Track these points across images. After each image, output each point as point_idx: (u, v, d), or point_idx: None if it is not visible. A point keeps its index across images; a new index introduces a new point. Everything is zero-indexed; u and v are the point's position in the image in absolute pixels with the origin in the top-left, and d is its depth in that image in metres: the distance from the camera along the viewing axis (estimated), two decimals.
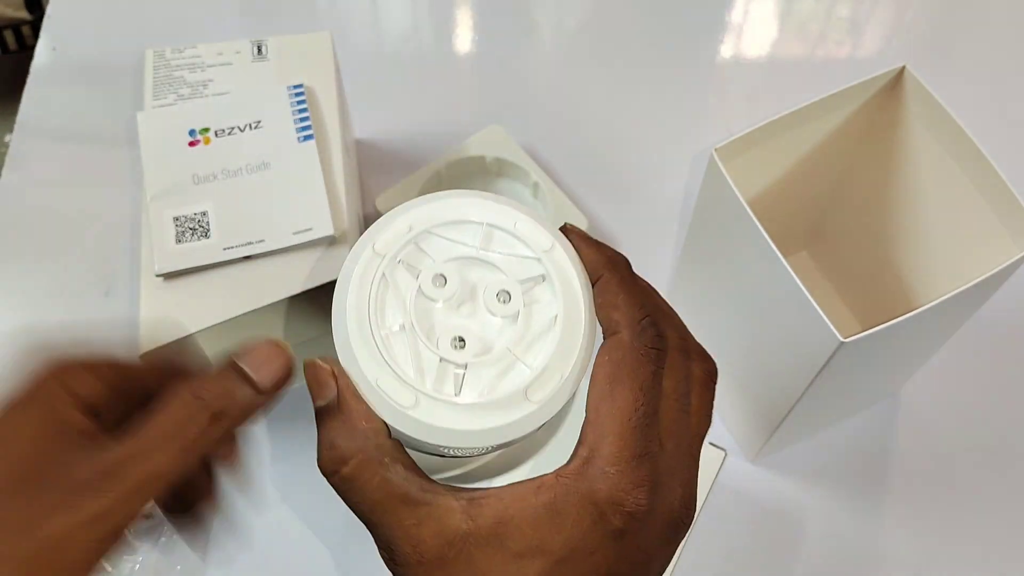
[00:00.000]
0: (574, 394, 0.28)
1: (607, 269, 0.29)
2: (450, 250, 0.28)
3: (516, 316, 0.27)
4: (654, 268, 0.63)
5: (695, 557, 0.50)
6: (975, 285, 0.39)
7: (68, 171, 0.69)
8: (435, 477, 0.27)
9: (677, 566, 0.45)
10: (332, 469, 0.27)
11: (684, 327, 0.30)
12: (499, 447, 0.27)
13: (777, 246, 0.40)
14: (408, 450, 0.27)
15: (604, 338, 0.28)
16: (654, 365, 0.27)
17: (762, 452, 0.54)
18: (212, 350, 0.58)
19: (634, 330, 0.27)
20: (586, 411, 0.26)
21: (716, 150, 0.43)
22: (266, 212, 0.51)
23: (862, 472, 0.55)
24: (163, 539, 0.52)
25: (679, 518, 0.26)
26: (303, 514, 0.54)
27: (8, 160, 0.70)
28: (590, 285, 0.29)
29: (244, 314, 0.48)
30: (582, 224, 0.60)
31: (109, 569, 0.51)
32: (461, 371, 0.26)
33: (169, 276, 0.50)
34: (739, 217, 0.42)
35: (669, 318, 0.29)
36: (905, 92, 0.46)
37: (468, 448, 0.27)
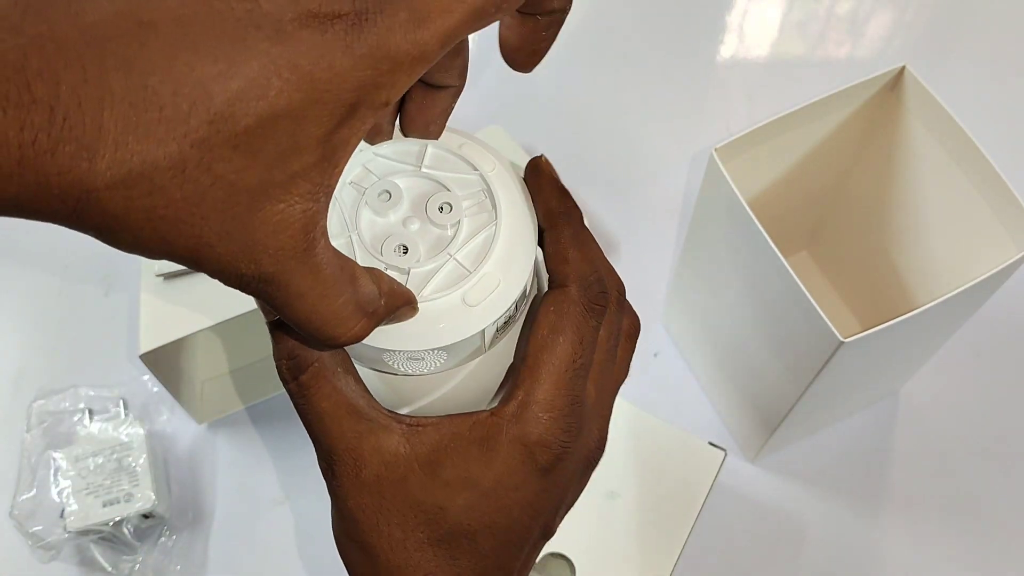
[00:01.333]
0: (514, 312, 0.29)
1: (561, 219, 0.30)
2: (395, 169, 0.29)
3: (458, 225, 0.28)
4: (654, 268, 0.63)
5: (695, 557, 0.50)
6: (975, 285, 0.39)
7: None
8: None
9: (677, 566, 0.45)
10: (291, 376, 0.29)
11: (621, 283, 0.32)
12: (438, 361, 0.28)
13: (777, 246, 0.40)
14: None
15: (549, 287, 0.29)
16: (595, 320, 0.29)
17: (762, 452, 0.54)
18: (212, 350, 0.58)
19: (581, 286, 0.29)
20: (526, 356, 0.28)
21: (716, 150, 0.43)
22: None
23: (862, 472, 0.55)
24: (163, 539, 0.52)
25: (594, 456, 0.30)
26: (303, 514, 0.54)
27: None
28: (533, 208, 0.30)
29: (244, 314, 0.48)
30: None
31: (110, 569, 0.51)
32: (404, 276, 0.27)
33: (169, 276, 0.50)
34: (739, 217, 0.42)
35: (610, 274, 0.31)
36: (905, 92, 0.46)
37: (409, 352, 0.27)
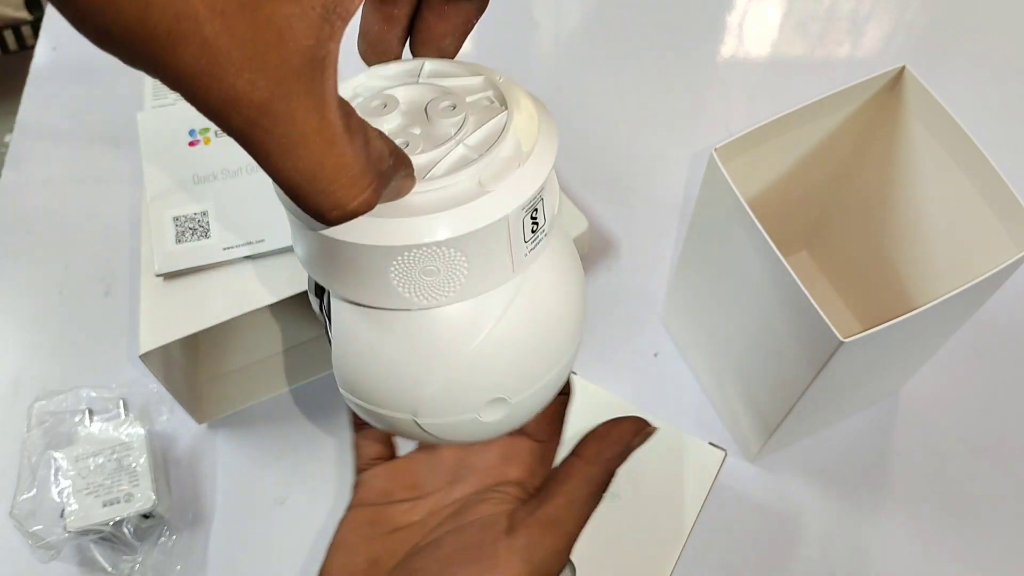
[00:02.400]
0: (542, 212, 0.25)
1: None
2: (392, 85, 0.27)
3: (463, 120, 0.25)
4: (654, 268, 0.63)
5: (695, 557, 0.50)
6: (975, 285, 0.39)
7: (68, 171, 0.69)
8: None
9: (677, 566, 0.45)
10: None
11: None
12: (458, 274, 0.24)
13: (777, 246, 0.40)
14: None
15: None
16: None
17: (762, 452, 0.54)
18: (212, 350, 0.58)
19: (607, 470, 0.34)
20: (545, 510, 0.31)
21: (716, 150, 0.43)
22: (266, 212, 0.51)
23: (862, 472, 0.55)
24: (163, 539, 0.52)
25: None
26: (303, 514, 0.54)
27: (8, 160, 0.70)
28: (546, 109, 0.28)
29: (244, 314, 0.48)
30: (581, 224, 0.60)
31: (110, 569, 0.51)
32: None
33: (169, 276, 0.50)
34: (739, 217, 0.42)
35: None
36: (905, 92, 0.46)
37: (422, 250, 0.23)
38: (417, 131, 0.25)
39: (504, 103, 0.26)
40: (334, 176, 0.19)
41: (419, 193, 0.23)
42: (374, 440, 0.37)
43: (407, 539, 0.33)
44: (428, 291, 0.24)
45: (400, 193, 0.23)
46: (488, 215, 0.23)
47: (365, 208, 0.20)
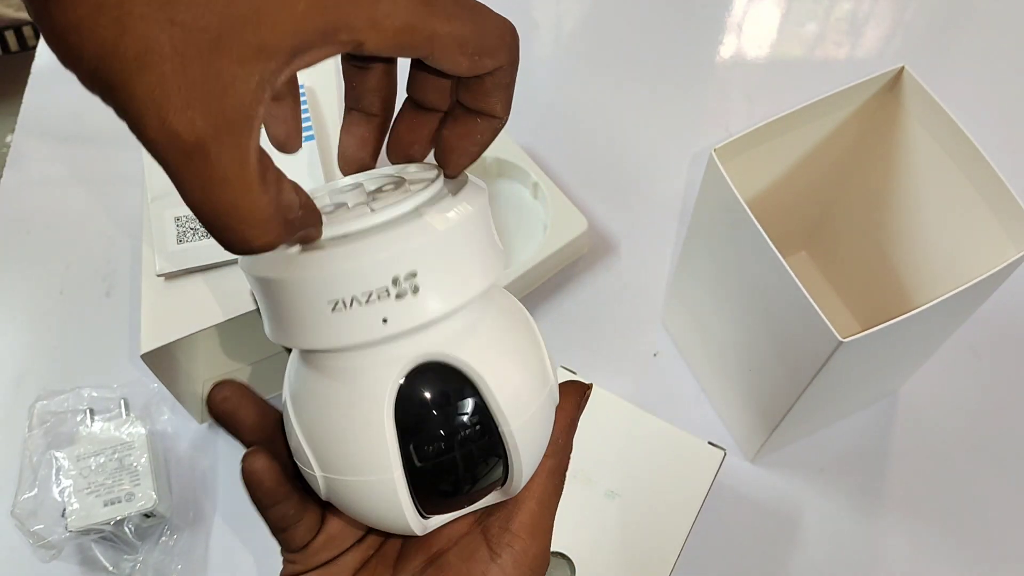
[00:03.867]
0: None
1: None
2: (346, 191, 0.29)
3: (406, 188, 0.27)
4: (654, 268, 0.63)
5: (695, 557, 0.50)
6: (974, 285, 0.39)
7: (69, 171, 0.69)
8: None
9: (677, 566, 0.45)
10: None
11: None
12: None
13: (776, 246, 0.40)
14: None
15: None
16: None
17: (761, 452, 0.54)
18: (213, 350, 0.58)
19: (564, 458, 0.32)
20: (518, 519, 0.30)
21: (716, 150, 0.43)
22: None
23: (861, 472, 0.55)
24: (164, 538, 0.53)
25: None
26: None
27: (9, 160, 0.70)
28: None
29: (245, 314, 0.49)
30: (582, 225, 0.60)
31: (111, 569, 0.51)
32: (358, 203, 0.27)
33: (170, 276, 0.50)
34: (739, 217, 0.42)
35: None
36: (904, 92, 0.46)
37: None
38: (356, 200, 0.28)
39: (459, 187, 0.28)
40: (245, 217, 0.21)
41: (370, 225, 0.26)
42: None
43: (372, 574, 0.32)
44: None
45: (305, 241, 0.25)
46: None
47: (267, 249, 0.23)
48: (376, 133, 0.30)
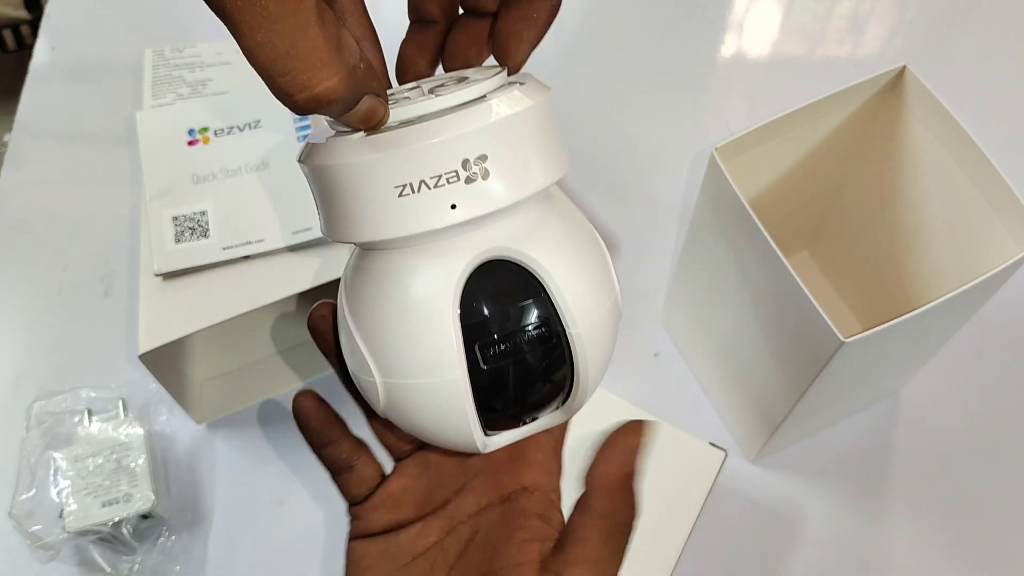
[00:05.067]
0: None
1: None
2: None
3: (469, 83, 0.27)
4: (654, 268, 0.63)
5: (695, 557, 0.50)
6: (976, 285, 0.38)
7: (67, 171, 0.69)
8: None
9: (677, 566, 0.45)
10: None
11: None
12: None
13: (778, 246, 0.40)
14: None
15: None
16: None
17: (762, 452, 0.54)
18: (212, 350, 0.58)
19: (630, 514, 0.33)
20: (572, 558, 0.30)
21: (716, 150, 0.43)
22: (265, 212, 0.51)
23: (862, 472, 0.55)
24: (162, 539, 0.52)
25: None
26: (303, 514, 0.54)
27: (7, 160, 0.70)
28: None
29: (244, 314, 0.48)
30: None
31: (109, 570, 0.51)
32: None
33: (168, 276, 0.50)
34: (740, 217, 0.42)
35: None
36: (906, 92, 0.46)
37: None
38: (419, 96, 0.26)
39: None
40: (305, 56, 0.21)
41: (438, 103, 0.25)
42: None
43: (431, 568, 0.31)
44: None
45: (371, 116, 0.24)
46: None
47: (331, 95, 0.22)
48: (436, 39, 0.29)
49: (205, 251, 0.50)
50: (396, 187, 0.24)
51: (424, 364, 0.25)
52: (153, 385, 0.57)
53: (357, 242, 0.26)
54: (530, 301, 0.26)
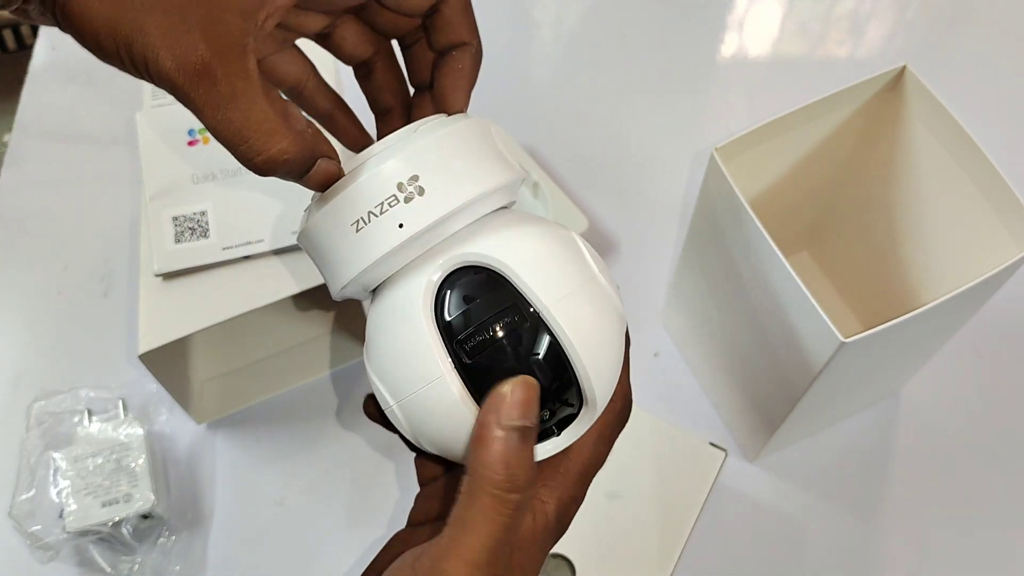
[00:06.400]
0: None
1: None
2: None
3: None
4: (654, 268, 0.63)
5: (695, 557, 0.50)
6: (976, 285, 0.38)
7: (67, 171, 0.69)
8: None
9: (677, 566, 0.45)
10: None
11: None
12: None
13: (778, 246, 0.40)
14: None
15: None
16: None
17: (763, 452, 0.54)
18: (211, 350, 0.58)
19: (625, 406, 0.33)
20: (568, 466, 0.31)
21: (716, 150, 0.43)
22: (265, 212, 0.51)
23: (862, 472, 0.55)
24: (162, 539, 0.52)
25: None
26: (303, 514, 0.54)
27: (7, 160, 0.70)
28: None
29: (244, 314, 0.48)
30: (582, 224, 0.60)
31: (109, 570, 0.51)
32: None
33: (168, 276, 0.50)
34: (740, 217, 0.42)
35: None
36: (906, 92, 0.46)
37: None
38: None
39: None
40: (257, 127, 0.25)
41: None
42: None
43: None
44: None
45: (328, 177, 0.28)
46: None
47: (283, 156, 0.26)
48: (400, 122, 0.34)
49: (205, 251, 0.50)
50: (351, 224, 0.27)
51: (416, 374, 0.28)
52: (153, 385, 0.57)
53: (345, 286, 0.29)
54: (496, 293, 0.28)
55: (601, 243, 0.64)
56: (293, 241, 0.50)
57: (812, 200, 0.55)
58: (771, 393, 0.48)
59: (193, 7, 0.24)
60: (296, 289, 0.49)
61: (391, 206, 0.27)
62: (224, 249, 0.50)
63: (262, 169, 0.26)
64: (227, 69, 0.24)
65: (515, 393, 0.27)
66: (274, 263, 0.50)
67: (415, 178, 0.27)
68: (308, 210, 0.30)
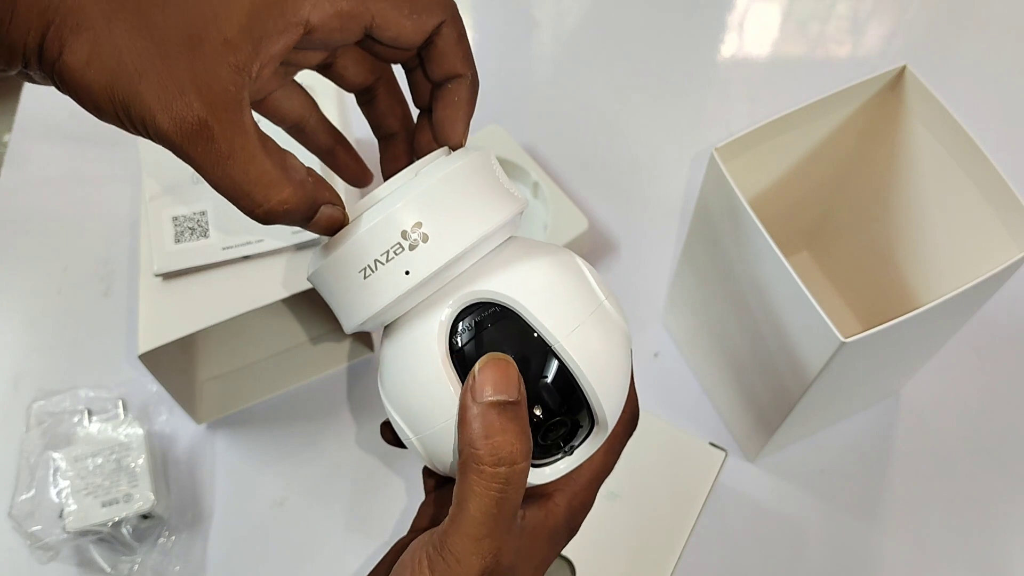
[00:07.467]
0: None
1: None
2: None
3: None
4: (654, 268, 0.63)
5: (695, 556, 0.50)
6: (975, 285, 0.38)
7: (67, 171, 0.69)
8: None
9: (677, 566, 0.45)
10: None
11: None
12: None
13: (778, 246, 0.40)
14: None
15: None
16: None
17: (763, 452, 0.54)
18: (211, 350, 0.58)
19: (632, 417, 0.33)
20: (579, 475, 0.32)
21: (717, 150, 0.43)
22: None
23: (862, 472, 0.55)
24: (162, 539, 0.52)
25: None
26: (303, 514, 0.54)
27: (7, 160, 0.70)
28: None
29: (244, 314, 0.48)
30: (582, 225, 0.60)
31: (109, 570, 0.51)
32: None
33: (168, 276, 0.50)
34: (740, 217, 0.42)
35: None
36: (906, 92, 0.46)
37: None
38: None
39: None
40: (256, 180, 0.26)
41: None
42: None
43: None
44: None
45: (332, 223, 0.29)
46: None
47: (284, 207, 0.26)
48: (404, 146, 0.35)
49: (205, 251, 0.50)
50: (359, 272, 0.28)
51: (434, 413, 0.28)
52: (153, 385, 0.57)
53: (356, 326, 0.30)
54: (508, 327, 0.28)
55: (601, 243, 0.64)
56: (293, 241, 0.50)
57: (812, 200, 0.55)
58: (771, 393, 0.48)
59: (186, 66, 0.24)
60: (296, 289, 0.49)
61: (396, 254, 0.28)
62: (224, 249, 0.50)
63: (263, 219, 0.27)
64: (223, 126, 0.25)
65: (484, 371, 0.27)
66: (274, 263, 0.50)
67: (419, 224, 0.27)
68: (317, 252, 0.31)
